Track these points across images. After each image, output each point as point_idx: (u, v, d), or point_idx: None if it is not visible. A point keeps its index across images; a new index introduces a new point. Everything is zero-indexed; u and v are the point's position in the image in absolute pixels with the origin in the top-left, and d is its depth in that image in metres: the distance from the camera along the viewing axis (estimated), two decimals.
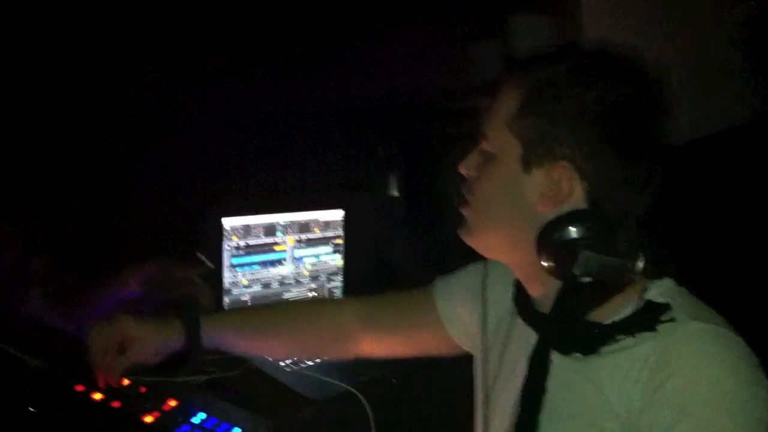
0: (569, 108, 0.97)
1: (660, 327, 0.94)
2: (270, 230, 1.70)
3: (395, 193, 2.55)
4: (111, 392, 1.22)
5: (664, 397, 0.89)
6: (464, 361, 1.26)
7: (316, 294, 1.83)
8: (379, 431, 1.36)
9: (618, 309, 0.99)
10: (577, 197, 0.98)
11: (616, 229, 0.97)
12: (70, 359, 1.30)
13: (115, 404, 1.22)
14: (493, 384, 1.13)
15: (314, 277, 1.82)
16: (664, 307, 0.96)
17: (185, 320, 1.23)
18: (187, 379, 1.32)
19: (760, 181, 2.00)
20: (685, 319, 0.94)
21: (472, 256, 1.15)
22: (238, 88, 2.33)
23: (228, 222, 1.62)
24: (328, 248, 1.83)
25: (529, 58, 1.06)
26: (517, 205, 1.01)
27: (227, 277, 1.65)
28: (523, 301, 1.10)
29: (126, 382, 1.25)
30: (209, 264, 1.71)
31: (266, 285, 1.73)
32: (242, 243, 1.65)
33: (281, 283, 1.76)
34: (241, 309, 1.63)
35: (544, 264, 0.98)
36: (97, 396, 1.22)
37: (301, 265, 1.79)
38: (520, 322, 1.10)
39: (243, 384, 1.38)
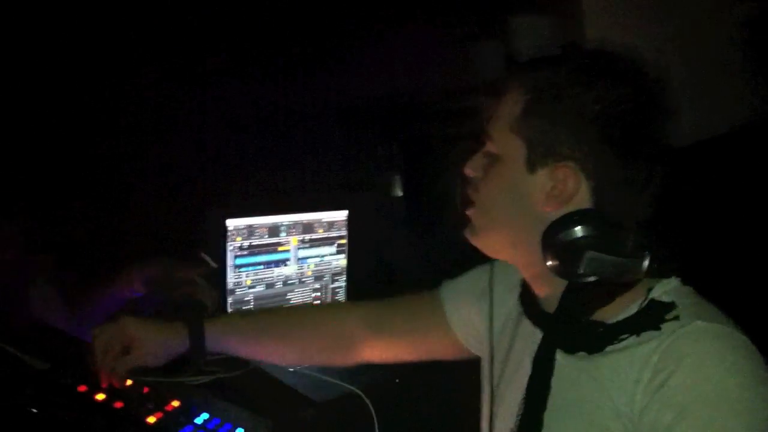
0: (569, 108, 0.97)
1: (664, 326, 0.94)
2: (274, 230, 1.70)
3: (398, 192, 2.55)
4: (114, 393, 1.22)
5: (665, 396, 0.89)
6: (468, 361, 1.26)
7: (319, 294, 1.82)
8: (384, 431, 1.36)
9: (623, 308, 0.99)
10: (582, 197, 0.99)
11: (621, 229, 0.97)
12: (72, 360, 1.30)
13: (118, 405, 1.21)
14: (498, 383, 1.13)
15: (318, 278, 1.82)
16: (669, 306, 0.96)
17: (189, 324, 1.23)
18: (191, 379, 1.32)
19: (763, 181, 2.00)
20: (689, 318, 0.94)
21: (472, 256, 1.15)
22: (238, 88, 2.33)
23: (232, 222, 1.62)
24: (332, 248, 1.83)
25: (531, 59, 1.07)
26: (522, 206, 1.02)
27: (231, 277, 1.65)
28: (529, 301, 1.10)
29: (129, 382, 1.24)
30: (213, 264, 1.70)
31: (270, 285, 1.73)
32: (246, 243, 1.65)
33: (285, 284, 1.76)
34: (245, 313, 1.62)
35: (549, 264, 0.98)
36: (100, 396, 1.22)
37: (304, 265, 1.79)
38: (526, 321, 1.10)
39: (246, 384, 1.38)
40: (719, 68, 2.37)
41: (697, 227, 1.69)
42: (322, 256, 1.82)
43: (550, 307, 1.04)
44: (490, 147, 1.05)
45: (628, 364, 0.94)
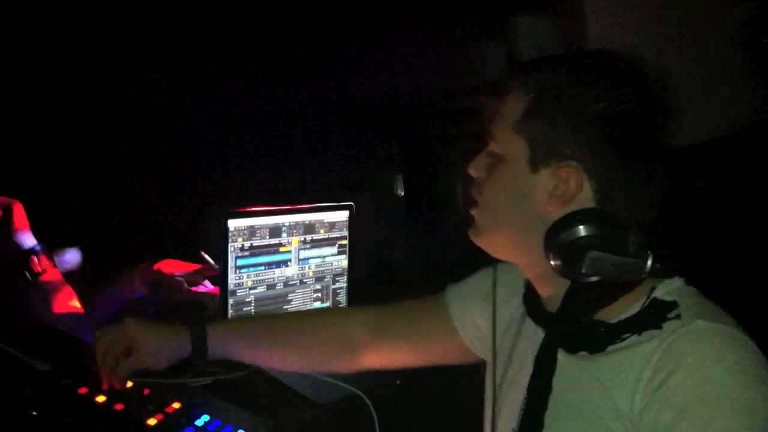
0: (569, 108, 0.97)
1: (665, 325, 0.94)
2: (275, 231, 1.70)
3: (399, 192, 2.56)
4: (114, 394, 1.22)
5: (664, 396, 0.89)
6: (469, 363, 1.26)
7: (320, 295, 1.82)
8: None
9: (626, 308, 0.99)
10: (584, 197, 0.99)
11: (623, 229, 0.97)
12: (73, 361, 1.29)
13: (119, 407, 1.21)
14: (501, 383, 1.13)
15: (319, 278, 1.82)
16: (672, 305, 0.95)
17: (192, 328, 1.22)
18: (191, 381, 1.31)
19: (763, 182, 2.01)
20: (691, 317, 0.93)
21: (473, 256, 1.15)
22: (238, 88, 2.34)
23: (233, 223, 1.61)
24: (333, 249, 1.83)
25: (533, 59, 1.07)
26: (525, 206, 1.01)
27: (232, 278, 1.64)
28: (532, 301, 1.10)
29: (129, 384, 1.24)
30: (213, 263, 1.70)
31: (271, 286, 1.73)
32: (247, 244, 1.64)
33: (286, 285, 1.76)
34: (248, 318, 1.62)
35: (552, 263, 0.98)
36: (101, 398, 1.21)
37: (306, 266, 1.78)
38: (529, 322, 1.10)
39: (247, 386, 1.37)
40: (719, 68, 2.37)
41: (699, 228, 1.69)
42: (324, 256, 1.81)
43: (553, 306, 1.03)
44: (493, 147, 1.05)
45: (629, 363, 0.94)
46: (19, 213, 1.61)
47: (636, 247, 0.97)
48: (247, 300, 1.68)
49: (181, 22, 2.17)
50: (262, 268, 1.69)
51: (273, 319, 1.48)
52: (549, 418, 1.01)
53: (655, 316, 0.96)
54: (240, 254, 1.64)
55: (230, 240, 1.61)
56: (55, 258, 1.65)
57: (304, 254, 1.76)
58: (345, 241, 1.84)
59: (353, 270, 1.84)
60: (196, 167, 2.25)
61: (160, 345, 1.21)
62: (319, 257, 1.80)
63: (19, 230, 1.60)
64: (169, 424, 1.20)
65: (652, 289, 0.98)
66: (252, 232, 1.65)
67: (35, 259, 1.60)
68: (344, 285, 1.86)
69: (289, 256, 1.74)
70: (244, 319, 1.60)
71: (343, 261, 1.85)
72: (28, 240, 1.61)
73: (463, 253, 1.14)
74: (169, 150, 2.20)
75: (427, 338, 1.29)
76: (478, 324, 1.23)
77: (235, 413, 1.25)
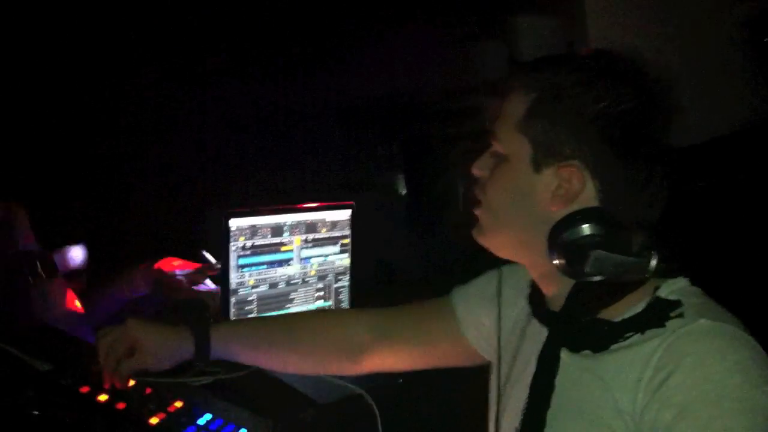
0: (569, 108, 0.98)
1: (668, 324, 0.94)
2: (277, 230, 1.70)
3: (400, 192, 2.56)
4: (116, 394, 1.21)
5: (665, 395, 0.88)
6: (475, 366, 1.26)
7: (323, 294, 1.82)
8: None
9: (629, 307, 0.98)
10: (587, 196, 0.99)
11: (627, 228, 0.97)
12: (74, 360, 1.29)
13: (120, 406, 1.20)
14: (506, 382, 1.13)
15: (321, 277, 1.81)
16: (675, 304, 0.95)
17: (195, 330, 1.22)
18: (193, 380, 1.31)
19: (763, 182, 2.01)
20: (694, 316, 0.93)
21: (473, 255, 1.15)
22: (238, 88, 2.34)
23: (235, 222, 1.61)
24: (336, 248, 1.82)
25: (535, 59, 1.07)
26: (529, 205, 1.02)
27: (234, 277, 1.64)
28: (537, 300, 1.10)
29: (131, 383, 1.24)
30: (215, 262, 1.70)
31: (273, 285, 1.73)
32: (249, 243, 1.64)
33: (288, 284, 1.75)
34: (251, 320, 1.61)
35: (556, 263, 0.98)
36: (102, 397, 1.21)
37: (308, 265, 1.78)
38: (534, 321, 1.10)
39: (249, 385, 1.37)
40: (719, 68, 2.37)
41: (699, 228, 1.69)
42: (326, 255, 1.81)
43: (558, 306, 1.03)
44: (497, 147, 1.06)
45: (631, 362, 0.94)
46: (21, 217, 1.61)
47: (639, 246, 0.97)
48: (249, 299, 1.68)
49: (181, 22, 2.17)
50: (264, 267, 1.69)
51: (275, 320, 1.48)
52: (551, 416, 1.01)
53: (658, 314, 0.95)
54: (242, 253, 1.64)
55: (232, 239, 1.61)
56: (59, 255, 1.65)
57: (306, 253, 1.76)
58: (347, 240, 1.84)
59: (355, 269, 1.84)
60: (196, 167, 2.25)
61: (163, 346, 1.20)
62: (321, 256, 1.80)
63: (22, 234, 1.60)
64: (170, 423, 1.20)
65: (657, 288, 0.98)
66: (254, 231, 1.65)
67: (38, 263, 1.60)
68: (346, 284, 1.86)
69: (291, 255, 1.74)
70: (246, 320, 1.60)
71: (345, 260, 1.84)
72: (30, 244, 1.62)
73: (463, 253, 1.14)
74: (169, 150, 2.20)
75: (433, 341, 1.28)
76: (485, 325, 1.22)
77: (237, 412, 1.25)
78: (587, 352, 0.99)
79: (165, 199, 2.15)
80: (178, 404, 1.24)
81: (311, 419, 1.41)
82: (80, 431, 1.17)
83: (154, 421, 1.19)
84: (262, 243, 1.67)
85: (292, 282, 1.76)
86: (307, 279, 1.78)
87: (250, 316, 1.69)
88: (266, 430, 1.24)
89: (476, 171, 1.08)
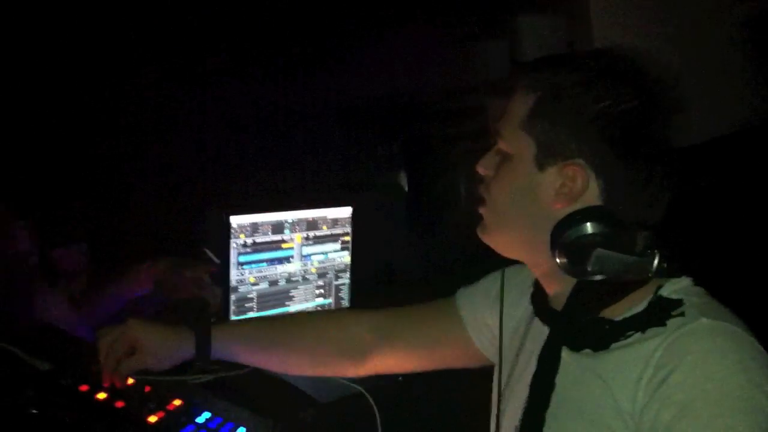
0: (570, 108, 0.98)
1: (669, 323, 0.93)
2: (277, 228, 1.69)
3: (400, 191, 2.55)
4: (115, 392, 1.21)
5: (665, 394, 0.88)
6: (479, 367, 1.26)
7: (323, 291, 1.82)
8: (387, 431, 1.35)
9: (631, 306, 0.98)
10: (591, 195, 0.98)
11: (629, 228, 0.97)
12: (74, 360, 1.29)
13: (119, 404, 1.20)
14: (508, 381, 1.13)
15: (322, 275, 1.81)
16: (677, 303, 0.95)
17: (196, 331, 1.22)
18: (192, 378, 1.31)
19: (763, 182, 2.01)
20: (695, 315, 0.93)
21: (473, 255, 1.15)
22: (238, 88, 2.34)
23: (235, 220, 1.61)
24: (336, 245, 1.82)
25: (537, 59, 1.07)
26: (532, 204, 1.01)
27: (234, 274, 1.64)
28: (539, 299, 1.10)
29: (130, 381, 1.24)
30: (216, 260, 1.70)
31: (273, 283, 1.73)
32: (249, 240, 1.64)
33: (288, 281, 1.75)
34: (252, 320, 1.61)
35: (558, 261, 0.98)
36: (101, 396, 1.21)
37: (308, 262, 1.78)
38: (537, 321, 1.09)
39: (248, 383, 1.37)
40: (719, 68, 2.37)
41: (699, 227, 1.69)
42: (326, 253, 1.81)
43: (560, 304, 1.03)
44: (501, 145, 1.06)
45: (632, 361, 0.93)
46: (21, 234, 1.61)
47: (641, 246, 0.96)
48: (249, 296, 1.68)
49: (181, 22, 2.17)
50: (265, 264, 1.69)
51: (276, 321, 1.48)
52: (550, 415, 1.00)
53: (659, 313, 0.95)
54: (242, 251, 1.63)
55: (233, 236, 1.61)
56: (59, 255, 1.65)
57: (306, 251, 1.76)
58: (348, 238, 1.84)
59: (356, 266, 1.84)
60: (196, 167, 2.25)
61: (163, 346, 1.20)
62: (321, 253, 1.80)
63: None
64: (169, 422, 1.20)
65: (659, 287, 0.98)
66: (254, 228, 1.65)
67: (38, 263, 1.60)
68: (347, 281, 1.85)
69: (292, 252, 1.74)
70: (248, 321, 1.60)
71: (345, 257, 1.84)
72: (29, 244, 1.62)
73: (463, 253, 1.14)
74: (169, 150, 2.20)
75: (437, 342, 1.28)
76: (490, 326, 1.22)
77: (236, 411, 1.25)
78: (588, 351, 0.99)
79: (165, 198, 2.15)
80: (177, 403, 1.24)
81: (311, 418, 1.41)
82: (80, 431, 1.16)
83: (153, 419, 1.19)
84: (263, 240, 1.67)
85: (292, 279, 1.76)
86: (307, 276, 1.78)
87: (250, 313, 1.69)
88: (266, 430, 1.24)
89: (481, 169, 1.08)
